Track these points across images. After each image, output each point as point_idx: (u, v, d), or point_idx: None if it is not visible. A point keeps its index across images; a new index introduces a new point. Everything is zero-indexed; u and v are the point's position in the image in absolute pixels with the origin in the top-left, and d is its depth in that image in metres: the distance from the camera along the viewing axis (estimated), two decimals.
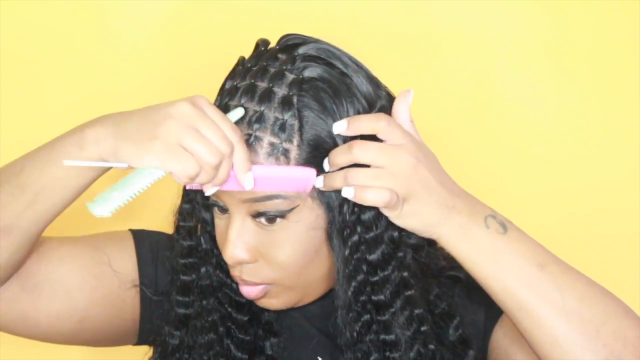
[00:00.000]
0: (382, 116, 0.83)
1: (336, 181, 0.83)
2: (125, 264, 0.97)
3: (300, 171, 0.83)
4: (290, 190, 0.84)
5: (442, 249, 0.87)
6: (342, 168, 0.83)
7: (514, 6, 1.25)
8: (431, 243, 0.91)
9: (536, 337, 0.83)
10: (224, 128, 0.79)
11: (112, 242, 0.97)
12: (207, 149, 0.77)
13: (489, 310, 0.95)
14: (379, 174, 0.81)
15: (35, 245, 0.89)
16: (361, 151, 0.81)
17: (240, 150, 0.80)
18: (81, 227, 1.06)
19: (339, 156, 0.83)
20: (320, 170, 0.85)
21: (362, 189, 0.81)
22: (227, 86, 0.87)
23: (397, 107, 0.86)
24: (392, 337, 0.89)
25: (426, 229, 0.84)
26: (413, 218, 0.83)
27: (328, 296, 0.93)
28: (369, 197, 0.81)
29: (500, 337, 0.95)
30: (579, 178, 1.28)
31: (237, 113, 0.84)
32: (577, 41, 1.24)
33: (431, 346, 0.90)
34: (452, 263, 0.87)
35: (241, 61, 0.89)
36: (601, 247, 1.28)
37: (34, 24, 1.21)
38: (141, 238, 0.99)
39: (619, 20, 1.23)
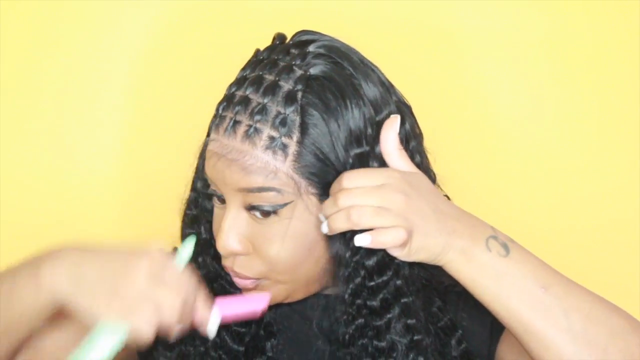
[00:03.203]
0: (341, 177, 0.82)
1: (339, 222, 0.81)
2: None
3: (254, 296, 0.85)
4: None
5: None
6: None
7: (513, 6, 1.22)
8: None
9: (543, 359, 0.81)
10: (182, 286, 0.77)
11: None
12: (170, 305, 0.75)
13: (494, 320, 0.93)
14: (380, 210, 0.80)
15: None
16: (349, 180, 0.81)
17: (200, 305, 0.79)
18: None
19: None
20: (319, 181, 0.84)
21: (377, 233, 0.80)
22: (238, 76, 0.88)
23: (383, 135, 0.85)
24: (384, 344, 0.87)
25: (433, 257, 0.82)
26: (421, 252, 0.82)
27: (328, 298, 0.92)
28: (386, 240, 0.79)
29: (506, 350, 0.93)
30: (578, 180, 1.24)
31: (188, 248, 0.81)
32: (576, 42, 1.21)
33: (421, 358, 0.88)
34: (455, 280, 0.86)
35: (256, 53, 0.90)
36: (601, 253, 1.25)
37: (33, 24, 1.22)
38: None
39: (619, 20, 1.20)
